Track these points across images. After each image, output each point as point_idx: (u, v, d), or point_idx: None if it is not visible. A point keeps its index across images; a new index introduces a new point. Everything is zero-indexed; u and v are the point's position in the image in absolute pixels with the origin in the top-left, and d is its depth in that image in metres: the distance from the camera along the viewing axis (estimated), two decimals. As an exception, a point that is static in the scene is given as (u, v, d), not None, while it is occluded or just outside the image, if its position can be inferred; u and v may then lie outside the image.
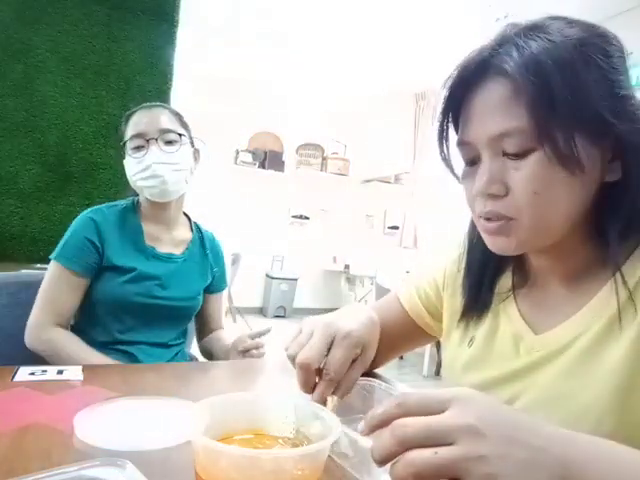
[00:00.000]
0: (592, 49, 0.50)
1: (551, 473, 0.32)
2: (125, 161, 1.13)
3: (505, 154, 0.52)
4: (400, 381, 0.65)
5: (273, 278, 5.30)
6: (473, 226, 0.67)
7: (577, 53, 0.49)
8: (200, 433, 0.36)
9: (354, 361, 0.60)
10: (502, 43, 0.52)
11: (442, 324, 0.75)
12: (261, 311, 5.49)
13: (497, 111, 0.51)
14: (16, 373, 0.71)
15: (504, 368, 0.61)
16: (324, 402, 0.55)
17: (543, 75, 0.48)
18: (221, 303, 1.31)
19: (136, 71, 2.08)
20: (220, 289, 1.28)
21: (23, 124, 1.92)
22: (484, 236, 0.57)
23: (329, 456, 0.49)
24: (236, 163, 5.19)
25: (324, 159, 5.69)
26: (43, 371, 0.73)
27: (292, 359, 0.57)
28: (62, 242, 1.06)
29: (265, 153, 5.29)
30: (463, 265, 0.69)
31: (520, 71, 0.48)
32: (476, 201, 0.55)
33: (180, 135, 1.12)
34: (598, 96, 0.49)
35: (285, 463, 0.35)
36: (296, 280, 5.41)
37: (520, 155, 0.51)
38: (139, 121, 1.10)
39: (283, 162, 5.40)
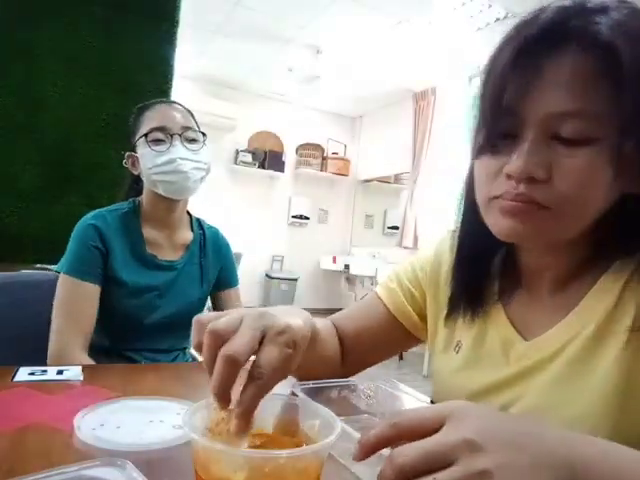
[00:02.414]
0: None
1: (558, 476, 0.31)
2: (141, 153, 1.08)
3: (556, 137, 0.46)
4: (400, 381, 0.65)
5: (273, 278, 5.30)
6: (463, 226, 0.64)
7: None
8: (200, 433, 0.36)
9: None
10: (588, 11, 0.44)
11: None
12: (261, 311, 5.49)
13: (571, 86, 0.44)
14: (16, 373, 0.71)
15: (494, 376, 0.60)
16: (249, 417, 0.41)
17: None
18: (235, 301, 1.24)
19: (136, 71, 2.08)
20: (229, 285, 1.24)
21: (23, 124, 1.92)
22: (494, 217, 0.51)
23: (331, 455, 0.49)
24: (236, 163, 5.19)
25: (324, 159, 5.69)
26: (43, 371, 0.73)
27: (212, 337, 0.42)
28: (68, 254, 1.02)
29: (265, 153, 5.29)
30: (450, 266, 0.67)
31: (621, 41, 0.41)
32: (498, 181, 0.50)
33: (203, 134, 1.12)
34: None
35: (285, 463, 0.35)
36: (296, 280, 5.41)
37: (574, 143, 0.45)
38: (160, 115, 1.08)
39: (283, 162, 5.41)
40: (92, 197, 1.98)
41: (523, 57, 0.46)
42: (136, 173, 1.13)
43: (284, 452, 0.36)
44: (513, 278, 0.63)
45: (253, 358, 0.42)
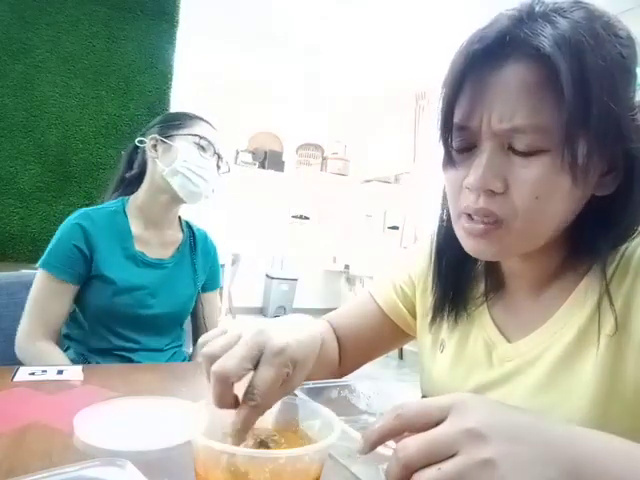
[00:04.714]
0: (619, 53, 0.45)
1: (561, 468, 0.31)
2: (180, 145, 1.10)
3: (510, 148, 0.47)
4: (400, 381, 0.65)
5: (273, 278, 5.30)
6: (443, 226, 0.63)
7: (613, 55, 0.44)
8: (200, 433, 0.36)
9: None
10: (532, 21, 0.45)
11: None
12: (261, 311, 5.49)
13: (518, 101, 0.45)
14: (16, 373, 0.71)
15: (478, 378, 0.60)
16: (245, 431, 0.41)
17: (587, 74, 0.42)
18: (215, 304, 1.28)
19: (136, 71, 2.08)
20: (212, 288, 1.26)
21: (23, 124, 1.92)
22: (462, 237, 0.52)
23: (331, 455, 0.49)
24: (236, 163, 5.19)
25: (324, 159, 5.69)
26: (43, 371, 0.73)
27: (208, 361, 0.43)
28: (49, 249, 1.04)
29: (265, 153, 5.29)
30: (430, 274, 0.66)
31: (559, 54, 0.42)
32: (463, 194, 0.50)
33: (229, 169, 1.22)
34: (624, 108, 0.45)
35: (285, 463, 0.35)
36: (296, 280, 5.41)
37: (528, 154, 0.46)
38: (210, 132, 1.15)
39: (283, 162, 5.40)
40: (92, 197, 1.98)
41: (471, 73, 0.47)
42: (151, 156, 1.12)
43: (284, 452, 0.36)
44: (498, 278, 0.63)
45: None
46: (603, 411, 0.48)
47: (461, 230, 0.52)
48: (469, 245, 0.52)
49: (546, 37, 0.43)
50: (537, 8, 0.46)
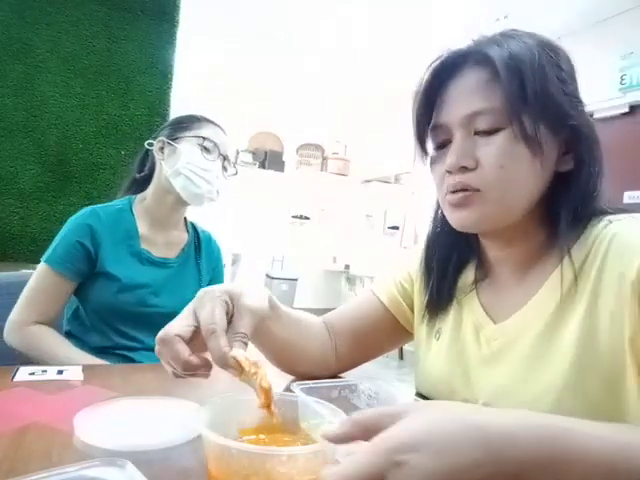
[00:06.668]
0: (549, 55, 0.58)
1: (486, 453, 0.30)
2: (184, 147, 1.10)
3: (476, 133, 0.58)
4: (400, 381, 0.65)
5: (273, 278, 5.30)
6: (435, 219, 0.73)
7: (542, 55, 0.57)
8: (212, 431, 0.36)
9: (232, 318, 0.53)
10: (481, 42, 0.60)
11: None
12: (261, 311, 5.48)
13: (474, 93, 0.58)
14: (16, 373, 0.71)
15: (468, 360, 0.65)
16: (224, 359, 0.47)
17: (519, 65, 0.55)
18: None
19: (136, 71, 2.08)
20: None
21: (23, 124, 1.93)
22: (449, 212, 0.61)
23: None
24: (236, 163, 5.19)
25: (324, 159, 5.69)
26: (43, 371, 0.73)
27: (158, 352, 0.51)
28: (54, 245, 1.05)
29: (265, 153, 5.29)
30: (423, 259, 0.73)
31: (501, 57, 0.56)
32: (445, 179, 0.60)
33: (236, 172, 1.21)
34: (558, 90, 0.57)
35: (296, 460, 0.35)
36: (296, 280, 5.41)
37: (490, 132, 0.57)
38: (217, 134, 1.14)
39: (283, 162, 5.41)
40: (92, 197, 1.99)
41: (434, 83, 0.61)
42: (157, 158, 1.13)
43: (295, 449, 0.36)
44: (485, 269, 0.69)
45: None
46: (579, 379, 0.53)
47: (446, 205, 0.61)
48: (454, 218, 0.61)
49: (494, 49, 0.57)
50: (482, 38, 0.61)
